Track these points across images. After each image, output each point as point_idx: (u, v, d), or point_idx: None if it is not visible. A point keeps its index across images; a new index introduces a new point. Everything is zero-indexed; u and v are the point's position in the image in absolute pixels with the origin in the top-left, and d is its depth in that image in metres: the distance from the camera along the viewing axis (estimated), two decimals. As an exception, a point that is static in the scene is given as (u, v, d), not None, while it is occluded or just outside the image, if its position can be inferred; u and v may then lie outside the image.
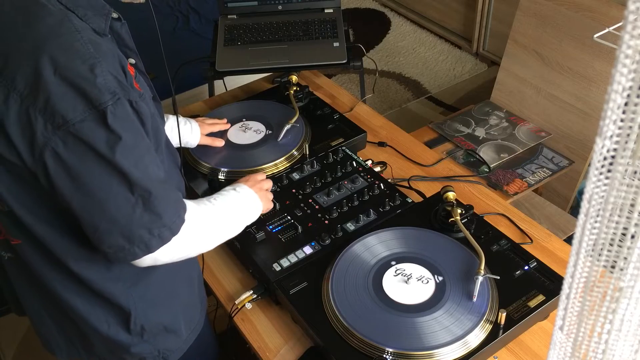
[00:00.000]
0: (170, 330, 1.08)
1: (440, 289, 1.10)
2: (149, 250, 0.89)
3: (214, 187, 1.36)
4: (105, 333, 1.02)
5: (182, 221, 0.93)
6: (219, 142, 1.48)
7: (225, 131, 1.54)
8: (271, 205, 1.24)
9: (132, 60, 0.99)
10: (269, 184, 1.24)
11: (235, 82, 1.96)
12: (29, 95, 0.79)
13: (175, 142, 1.34)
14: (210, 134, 1.49)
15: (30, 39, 0.80)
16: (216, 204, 1.07)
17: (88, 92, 0.78)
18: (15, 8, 0.84)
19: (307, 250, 1.21)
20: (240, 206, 1.12)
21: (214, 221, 1.05)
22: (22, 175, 0.85)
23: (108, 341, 1.03)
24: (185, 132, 1.41)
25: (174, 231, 0.91)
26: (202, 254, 1.32)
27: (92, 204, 0.84)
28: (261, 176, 1.25)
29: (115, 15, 0.94)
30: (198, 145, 1.47)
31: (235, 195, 1.13)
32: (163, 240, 0.90)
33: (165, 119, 1.31)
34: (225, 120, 1.54)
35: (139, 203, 0.86)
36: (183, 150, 1.48)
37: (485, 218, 1.28)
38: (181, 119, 1.43)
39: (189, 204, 0.99)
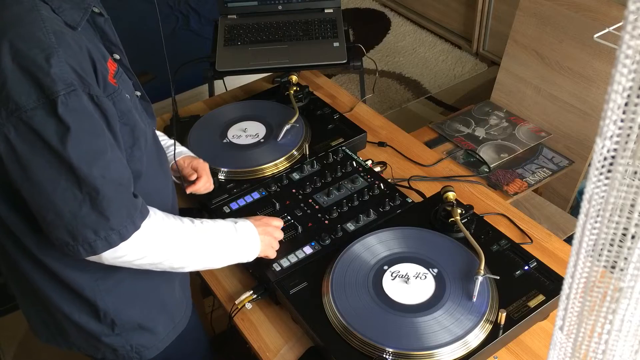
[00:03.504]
0: (145, 327, 1.08)
1: (440, 289, 1.10)
2: (94, 252, 0.88)
3: (214, 187, 1.36)
4: (77, 321, 1.02)
5: (136, 228, 0.91)
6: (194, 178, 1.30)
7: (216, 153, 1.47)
8: (272, 254, 1.17)
9: (117, 56, 0.98)
10: (281, 234, 1.20)
11: (235, 82, 1.96)
12: None
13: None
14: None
15: None
16: (200, 226, 1.04)
17: (41, 80, 0.78)
18: None
19: (307, 250, 1.21)
20: (228, 239, 1.08)
21: (184, 240, 1.01)
22: None
23: (80, 329, 1.04)
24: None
25: (124, 236, 0.89)
26: None
27: (40, 194, 0.83)
28: (278, 222, 1.20)
29: (96, 9, 0.93)
30: (198, 147, 1.46)
31: (229, 226, 1.09)
32: (110, 244, 0.88)
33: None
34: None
35: (86, 201, 0.84)
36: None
37: (485, 218, 1.28)
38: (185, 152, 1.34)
39: (157, 215, 0.96)
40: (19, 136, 0.80)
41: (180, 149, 1.32)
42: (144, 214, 0.93)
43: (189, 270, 1.07)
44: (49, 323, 1.07)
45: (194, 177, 1.28)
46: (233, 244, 1.09)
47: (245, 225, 1.12)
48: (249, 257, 1.13)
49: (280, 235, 1.20)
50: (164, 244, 0.98)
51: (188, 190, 1.28)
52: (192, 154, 1.34)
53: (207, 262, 1.08)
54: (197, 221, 1.05)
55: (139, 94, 1.04)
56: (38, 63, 0.78)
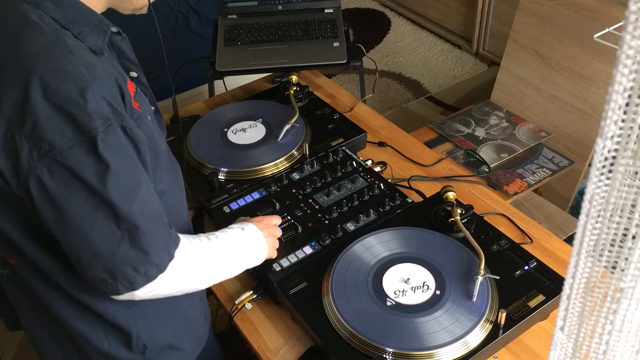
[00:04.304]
0: (174, 347, 1.06)
1: (440, 289, 1.10)
2: (133, 287, 0.85)
3: (214, 187, 1.36)
4: (106, 352, 0.99)
5: (171, 258, 0.89)
6: None
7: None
8: (275, 255, 1.18)
9: (134, 74, 0.96)
10: (280, 232, 1.20)
11: (235, 82, 1.96)
12: (17, 120, 0.75)
13: None
14: None
15: (20, 61, 0.77)
16: (215, 241, 1.02)
17: (78, 117, 0.75)
18: (7, 26, 0.80)
19: (307, 250, 1.21)
20: (242, 246, 1.07)
21: (208, 259, 1.00)
22: (9, 197, 0.82)
23: (108, 358, 1.01)
24: None
25: (161, 268, 0.87)
26: None
27: (75, 235, 0.80)
28: (276, 221, 1.20)
29: (114, 29, 0.90)
30: (198, 147, 1.45)
31: (240, 234, 1.08)
32: (149, 278, 0.86)
33: None
34: None
35: (125, 238, 0.82)
36: (184, 152, 1.48)
37: (485, 218, 1.28)
38: None
39: (182, 239, 0.94)
40: (52, 177, 0.76)
41: None
42: (177, 242, 0.91)
43: (206, 287, 1.05)
44: (72, 354, 1.04)
45: None
46: (245, 255, 1.09)
47: (252, 232, 1.10)
48: (257, 263, 1.12)
49: (280, 233, 1.20)
50: (193, 268, 0.96)
51: None
52: None
53: (223, 277, 1.07)
54: (211, 237, 1.03)
55: (153, 108, 1.01)
56: (73, 99, 0.74)
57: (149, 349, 1.02)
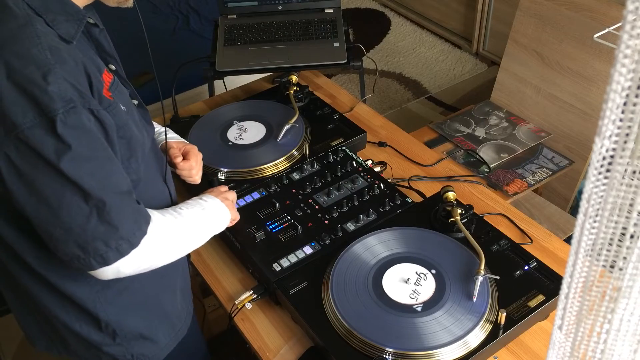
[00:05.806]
0: (146, 337, 1.08)
1: (440, 289, 1.10)
2: (106, 262, 0.87)
3: (214, 187, 1.36)
4: (78, 331, 1.02)
5: (143, 233, 0.91)
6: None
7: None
8: (237, 214, 1.22)
9: (112, 67, 0.98)
10: (234, 195, 1.23)
11: (235, 82, 1.96)
12: None
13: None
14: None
15: None
16: (183, 214, 1.05)
17: (39, 98, 0.77)
18: None
19: (307, 250, 1.21)
20: (206, 216, 1.10)
21: (179, 232, 1.03)
22: None
23: (81, 339, 1.04)
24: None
25: (134, 244, 0.89)
26: (201, 254, 1.33)
27: (46, 210, 0.83)
28: (224, 188, 1.23)
29: (91, 20, 0.93)
30: (198, 147, 1.45)
31: (202, 204, 1.11)
32: (121, 253, 0.88)
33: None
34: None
35: (94, 213, 0.84)
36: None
37: (485, 218, 1.28)
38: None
39: (155, 215, 0.97)
40: (19, 154, 0.79)
41: (173, 134, 1.28)
42: (148, 219, 0.94)
43: (178, 257, 1.06)
44: (48, 332, 1.07)
45: (178, 159, 1.21)
46: (210, 220, 1.11)
47: (210, 199, 1.13)
48: (223, 226, 1.16)
49: (234, 195, 1.23)
50: (167, 242, 0.99)
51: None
52: (185, 141, 1.29)
53: (194, 245, 1.09)
54: (177, 209, 1.06)
55: (136, 102, 1.03)
56: (35, 81, 0.78)
57: (119, 335, 1.04)
